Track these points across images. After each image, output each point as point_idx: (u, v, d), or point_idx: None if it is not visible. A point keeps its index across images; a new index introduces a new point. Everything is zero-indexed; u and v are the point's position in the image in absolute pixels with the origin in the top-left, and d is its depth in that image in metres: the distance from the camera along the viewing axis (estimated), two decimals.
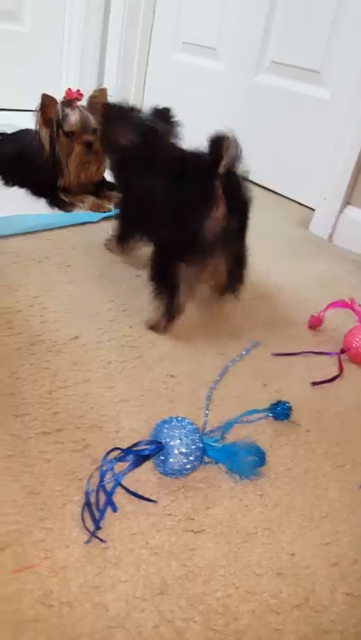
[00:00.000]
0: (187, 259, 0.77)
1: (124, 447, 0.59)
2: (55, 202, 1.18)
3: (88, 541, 0.51)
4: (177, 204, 0.76)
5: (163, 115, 0.97)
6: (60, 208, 1.17)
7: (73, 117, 1.11)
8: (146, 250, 0.89)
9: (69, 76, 1.94)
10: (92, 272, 0.97)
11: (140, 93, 1.95)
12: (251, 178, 1.64)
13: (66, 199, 1.18)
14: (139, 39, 1.86)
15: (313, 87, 1.41)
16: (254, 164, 1.72)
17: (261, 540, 0.54)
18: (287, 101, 1.48)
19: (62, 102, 1.13)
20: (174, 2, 1.74)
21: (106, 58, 1.92)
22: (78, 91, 1.12)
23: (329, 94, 1.38)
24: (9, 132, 1.40)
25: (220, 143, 0.73)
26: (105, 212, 1.18)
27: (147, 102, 1.95)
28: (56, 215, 1.15)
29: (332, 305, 0.91)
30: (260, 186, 1.55)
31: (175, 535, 0.53)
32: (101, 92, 1.15)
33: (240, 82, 1.58)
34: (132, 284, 0.95)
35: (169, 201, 0.77)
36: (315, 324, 0.90)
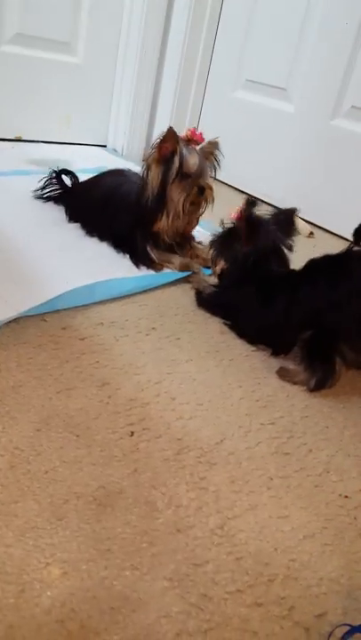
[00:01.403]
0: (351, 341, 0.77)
1: (336, 610, 0.48)
2: (143, 260, 1.06)
3: None
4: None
5: (286, 218, 0.93)
6: (148, 267, 1.06)
7: (192, 159, 0.99)
8: None
9: (120, 113, 1.84)
10: (205, 346, 0.86)
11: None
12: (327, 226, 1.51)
13: (154, 257, 1.06)
14: (196, 74, 1.78)
15: None
16: (330, 212, 1.60)
17: None
18: None
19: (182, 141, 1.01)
20: (238, 36, 1.67)
21: (160, 94, 1.83)
22: (201, 133, 1.01)
23: None
24: (68, 168, 1.29)
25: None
26: (193, 271, 1.07)
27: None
28: (147, 277, 1.03)
29: None
30: (337, 234, 1.47)
31: None
32: (213, 145, 1.03)
33: (313, 126, 1.51)
34: (252, 363, 0.84)
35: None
36: None
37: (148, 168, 1.01)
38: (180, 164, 0.98)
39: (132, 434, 0.64)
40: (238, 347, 0.88)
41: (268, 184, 1.61)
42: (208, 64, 1.77)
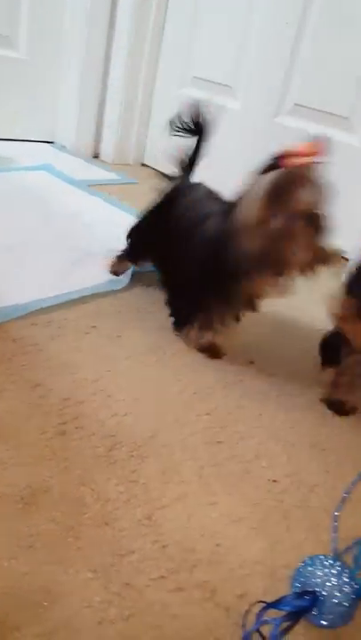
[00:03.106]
0: None
1: (256, 590, 0.50)
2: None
3: None
4: None
5: None
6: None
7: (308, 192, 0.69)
8: None
9: (68, 109, 1.84)
10: (147, 343, 0.87)
11: (145, 129, 1.88)
12: None
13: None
14: (144, 71, 1.78)
15: (341, 133, 1.37)
16: None
17: None
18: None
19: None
20: (185, 34, 1.68)
21: (107, 89, 1.83)
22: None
23: (358, 141, 1.34)
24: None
25: None
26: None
27: (151, 137, 1.89)
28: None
29: None
30: None
31: None
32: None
33: (259, 122, 1.54)
34: (194, 357, 0.86)
35: None
36: None
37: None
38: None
39: (64, 433, 0.65)
40: (180, 342, 0.89)
41: (216, 180, 1.63)
42: (156, 61, 1.78)
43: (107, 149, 1.89)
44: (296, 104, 1.46)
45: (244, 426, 0.73)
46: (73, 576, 0.49)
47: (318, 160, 0.69)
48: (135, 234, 1.01)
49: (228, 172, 1.76)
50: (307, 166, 0.68)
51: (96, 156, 1.90)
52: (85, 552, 0.51)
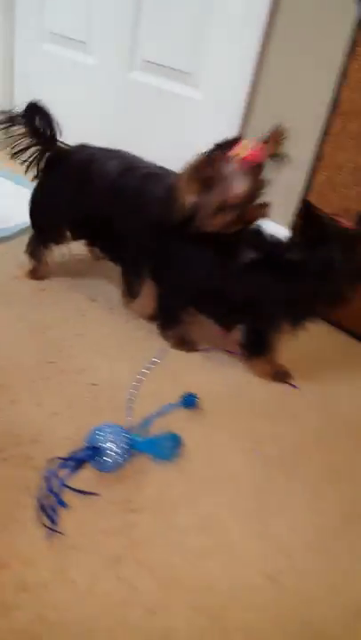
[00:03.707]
0: None
1: (64, 455, 0.71)
2: None
3: (49, 535, 0.62)
4: None
5: None
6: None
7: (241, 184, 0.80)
8: None
9: None
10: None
11: (10, 85, 1.92)
12: None
13: None
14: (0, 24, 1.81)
15: (186, 87, 1.52)
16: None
17: (186, 508, 0.70)
18: (162, 100, 1.58)
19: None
20: None
21: None
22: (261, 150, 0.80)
23: (201, 95, 1.50)
24: None
25: None
26: None
27: (18, 91, 1.94)
28: None
29: None
30: None
31: (118, 517, 0.67)
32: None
33: (113, 78, 1.65)
34: (40, 295, 1.03)
35: None
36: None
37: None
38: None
39: None
40: (27, 285, 1.06)
41: (81, 134, 1.75)
42: (11, 21, 1.81)
43: None
44: (146, 60, 1.58)
45: (77, 349, 0.92)
46: None
47: (256, 161, 0.80)
48: (49, 213, 1.02)
49: (86, 126, 1.87)
50: (235, 161, 0.80)
51: None
52: None
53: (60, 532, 0.63)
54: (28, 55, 1.83)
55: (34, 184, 1.01)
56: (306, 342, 0.89)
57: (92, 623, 0.56)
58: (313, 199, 0.92)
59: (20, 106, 0.99)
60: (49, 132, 0.99)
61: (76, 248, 1.10)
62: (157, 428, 0.78)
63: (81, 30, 1.68)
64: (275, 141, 0.83)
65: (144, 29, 1.55)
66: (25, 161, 0.97)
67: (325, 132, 1.04)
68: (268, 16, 1.22)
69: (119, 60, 1.63)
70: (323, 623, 0.61)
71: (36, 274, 1.07)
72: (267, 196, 0.85)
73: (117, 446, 0.70)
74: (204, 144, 1.42)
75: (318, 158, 1.06)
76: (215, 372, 0.94)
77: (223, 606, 0.60)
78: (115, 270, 1.02)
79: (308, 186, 1.10)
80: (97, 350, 0.93)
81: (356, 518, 0.73)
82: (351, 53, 0.97)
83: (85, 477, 0.70)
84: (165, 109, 1.58)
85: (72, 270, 1.12)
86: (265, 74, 1.28)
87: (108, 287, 1.10)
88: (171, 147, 1.60)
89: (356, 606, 0.63)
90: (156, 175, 0.95)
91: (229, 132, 1.34)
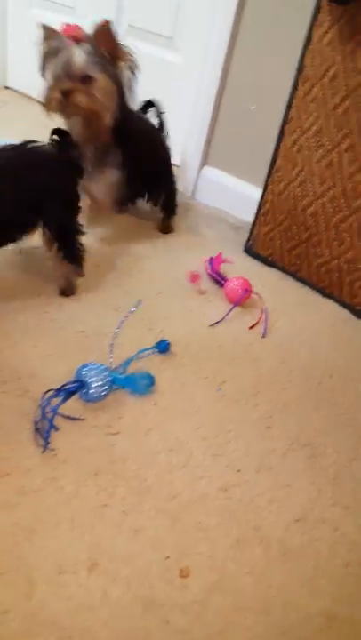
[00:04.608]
0: None
1: (56, 388, 0.84)
2: None
3: (43, 452, 0.76)
4: None
5: None
6: None
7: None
8: None
9: None
10: None
11: (3, 52, 1.95)
12: None
13: None
14: None
15: (168, 52, 1.58)
16: None
17: (157, 433, 0.83)
18: (147, 65, 1.64)
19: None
20: None
21: None
22: (77, 27, 0.95)
23: (181, 59, 1.56)
24: None
25: None
26: None
27: (12, 59, 1.97)
28: None
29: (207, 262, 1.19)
30: None
31: (100, 438, 0.80)
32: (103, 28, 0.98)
33: None
34: (32, 254, 1.14)
35: None
36: (194, 278, 1.16)
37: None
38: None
39: None
40: None
41: None
42: None
43: None
44: (130, 25, 1.63)
45: (65, 301, 1.04)
46: None
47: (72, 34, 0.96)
48: None
49: None
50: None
51: None
52: None
53: (52, 449, 0.76)
54: (17, 21, 1.87)
55: None
56: (270, 295, 1.01)
57: (76, 520, 0.70)
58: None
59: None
60: None
61: None
62: (134, 369, 0.91)
63: None
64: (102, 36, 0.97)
65: None
66: None
67: (292, 97, 1.13)
68: None
69: None
70: (268, 528, 0.74)
71: None
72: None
73: (100, 380, 0.83)
74: (189, 112, 1.49)
75: (286, 122, 1.15)
76: (186, 321, 1.06)
77: (183, 510, 0.74)
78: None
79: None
80: (82, 302, 1.05)
81: (299, 446, 0.87)
82: (315, 21, 1.04)
83: (73, 406, 0.83)
84: (149, 75, 1.64)
85: None
86: (239, 41, 1.34)
87: (94, 248, 1.21)
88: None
89: (293, 513, 0.77)
90: None
91: (208, 95, 1.41)
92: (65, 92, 0.96)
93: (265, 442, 0.86)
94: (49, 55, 0.97)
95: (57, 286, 1.05)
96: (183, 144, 1.53)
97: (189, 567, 0.68)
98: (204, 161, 1.51)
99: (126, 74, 1.04)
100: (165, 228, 1.36)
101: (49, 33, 0.95)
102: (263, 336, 1.07)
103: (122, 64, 1.01)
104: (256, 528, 0.74)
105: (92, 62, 0.96)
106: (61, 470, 0.75)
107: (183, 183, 1.56)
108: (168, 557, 0.68)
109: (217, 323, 1.07)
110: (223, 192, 1.49)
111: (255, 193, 1.37)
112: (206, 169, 1.52)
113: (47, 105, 0.99)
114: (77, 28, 0.94)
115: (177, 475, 0.78)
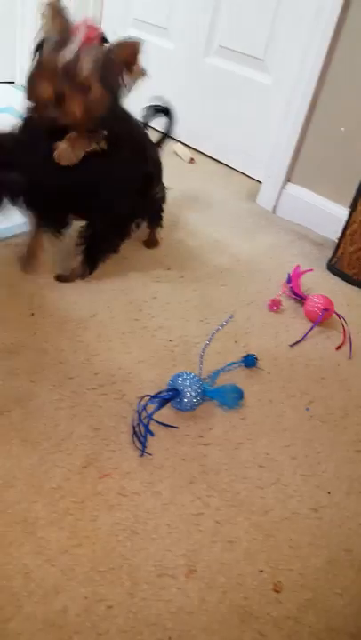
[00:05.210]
0: None
1: (151, 394, 0.87)
2: None
3: (141, 455, 0.79)
4: None
5: None
6: None
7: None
8: None
9: (25, 46, 1.99)
10: None
11: None
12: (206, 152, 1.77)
13: None
14: (91, 13, 1.93)
15: (257, 73, 1.61)
16: (208, 139, 1.86)
17: (247, 448, 0.84)
18: (235, 84, 1.68)
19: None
20: None
21: None
22: (93, 28, 0.85)
23: (271, 80, 1.59)
24: None
25: None
26: None
27: None
28: None
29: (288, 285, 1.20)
30: (215, 160, 1.78)
31: (193, 447, 0.82)
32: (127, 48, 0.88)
33: (190, 62, 1.75)
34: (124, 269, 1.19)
35: None
36: (274, 304, 1.16)
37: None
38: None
39: (33, 314, 0.99)
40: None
41: None
42: (100, 6, 1.93)
43: None
44: (221, 46, 1.68)
45: (156, 310, 1.07)
46: (40, 387, 0.85)
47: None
48: None
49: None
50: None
51: None
52: (46, 375, 0.87)
53: (149, 454, 0.79)
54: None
55: None
56: (357, 315, 1.00)
57: (173, 525, 0.72)
58: None
59: None
60: None
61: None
62: (223, 381, 0.93)
63: (163, 16, 1.78)
64: (127, 50, 0.86)
65: (222, 16, 1.65)
66: None
67: None
68: (339, 11, 1.28)
69: (195, 45, 1.73)
70: (359, 551, 0.74)
71: None
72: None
73: (193, 391, 0.85)
74: (275, 130, 1.51)
75: None
76: (269, 337, 1.07)
77: (275, 526, 0.75)
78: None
79: None
80: (171, 312, 1.08)
81: None
82: None
83: (166, 413, 0.86)
84: (237, 93, 1.68)
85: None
86: (333, 65, 1.35)
87: (180, 259, 1.24)
88: (242, 127, 1.70)
89: None
90: None
91: (298, 115, 1.43)
92: (59, 94, 0.86)
93: (355, 465, 0.85)
94: (49, 38, 0.87)
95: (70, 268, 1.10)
96: (267, 160, 1.55)
97: (282, 583, 0.68)
98: (288, 178, 1.52)
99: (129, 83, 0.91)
100: (151, 242, 1.30)
101: (56, 13, 0.85)
102: (350, 357, 1.06)
103: (131, 76, 0.90)
104: (347, 551, 0.74)
105: (96, 70, 0.87)
106: (157, 475, 0.77)
107: (265, 198, 1.58)
108: (262, 571, 0.69)
109: (297, 342, 1.08)
110: (306, 209, 1.49)
111: (339, 211, 1.37)
112: (290, 185, 1.53)
113: (31, 95, 0.89)
114: (95, 29, 0.84)
115: (268, 490, 0.79)
